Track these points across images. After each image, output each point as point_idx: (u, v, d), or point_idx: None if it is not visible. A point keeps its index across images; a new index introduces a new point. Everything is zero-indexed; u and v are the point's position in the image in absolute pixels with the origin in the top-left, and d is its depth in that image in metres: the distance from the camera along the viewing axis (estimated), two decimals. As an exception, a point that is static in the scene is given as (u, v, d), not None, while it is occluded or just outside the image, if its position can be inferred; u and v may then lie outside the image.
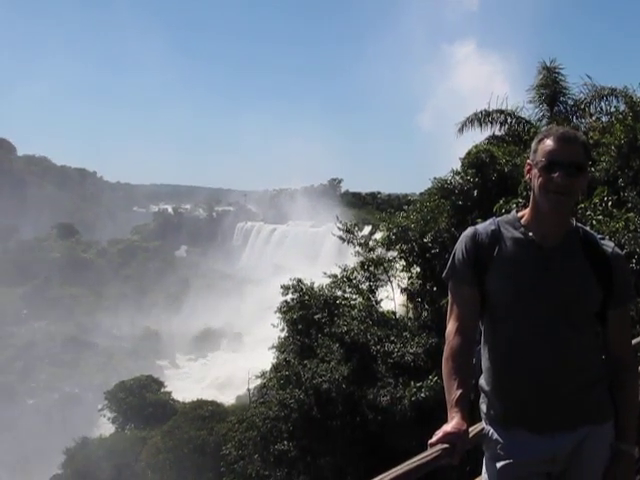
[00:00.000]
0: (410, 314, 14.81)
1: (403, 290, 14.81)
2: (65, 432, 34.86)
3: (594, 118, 15.23)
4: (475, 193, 13.28)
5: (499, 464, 2.32)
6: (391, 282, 15.12)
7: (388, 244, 14.54)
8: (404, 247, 14.15)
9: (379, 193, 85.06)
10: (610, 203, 10.46)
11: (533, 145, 2.32)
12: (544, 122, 15.73)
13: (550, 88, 16.11)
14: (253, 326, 56.43)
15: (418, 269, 14.36)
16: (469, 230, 2.39)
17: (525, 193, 10.38)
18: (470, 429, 2.18)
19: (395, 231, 14.10)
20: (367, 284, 15.24)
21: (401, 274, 14.88)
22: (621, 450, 2.30)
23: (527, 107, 16.41)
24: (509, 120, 16.26)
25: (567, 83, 16.26)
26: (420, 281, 14.37)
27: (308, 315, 14.72)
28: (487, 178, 13.23)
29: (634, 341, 3.06)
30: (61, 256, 78.71)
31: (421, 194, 16.58)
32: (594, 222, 9.84)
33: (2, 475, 37.17)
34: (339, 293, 15.22)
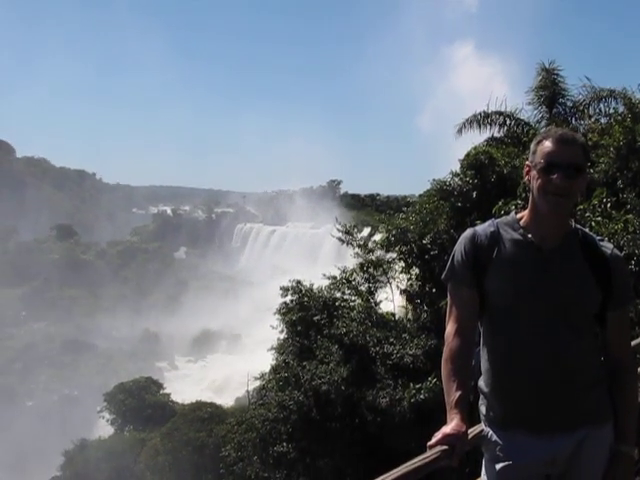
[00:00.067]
0: (409, 316, 14.80)
1: (402, 292, 14.80)
2: (64, 434, 34.81)
3: (593, 120, 15.23)
4: (474, 195, 13.27)
5: (498, 466, 2.32)
6: (390, 284, 15.11)
7: (387, 246, 14.53)
8: (403, 249, 14.14)
9: (378, 195, 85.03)
10: (609, 205, 10.46)
11: (532, 147, 2.32)
12: (543, 124, 15.74)
13: (549, 90, 16.13)
14: (252, 328, 56.36)
15: (417, 270, 14.34)
16: (468, 232, 2.39)
17: (524, 195, 10.37)
18: (469, 431, 2.18)
19: (394, 233, 14.08)
20: (366, 285, 15.23)
21: (400, 276, 14.87)
22: (620, 451, 2.30)
23: (526, 109, 16.45)
24: (508, 122, 16.27)
25: (566, 85, 16.31)
26: (419, 282, 14.36)
27: (307, 317, 14.70)
28: (486, 180, 13.22)
29: (633, 343, 3.06)
30: (60, 257, 78.65)
31: (420, 196, 16.53)
32: (593, 224, 9.83)
33: (1, 476, 37.15)
34: (338, 295, 15.20)
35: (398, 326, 13.92)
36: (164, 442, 24.60)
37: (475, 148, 14.17)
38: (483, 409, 2.40)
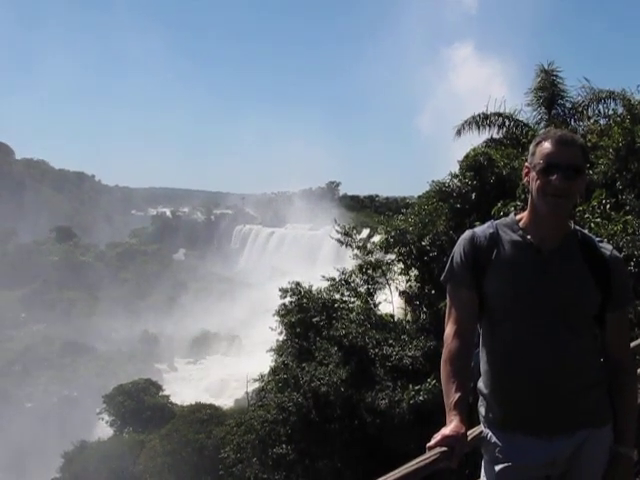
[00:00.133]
0: (408, 317, 14.80)
1: (401, 293, 14.80)
2: (63, 435, 34.81)
3: (592, 121, 15.22)
4: (473, 196, 13.27)
5: (498, 467, 2.31)
6: (389, 285, 15.11)
7: (386, 247, 14.52)
8: (402, 250, 14.14)
9: (377, 196, 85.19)
10: (608, 206, 10.45)
11: (531, 148, 2.32)
12: (542, 125, 15.75)
13: (548, 91, 16.14)
14: (251, 329, 56.41)
15: (416, 272, 14.34)
16: (467, 233, 2.38)
17: (523, 196, 10.36)
18: (469, 432, 2.18)
19: (393, 234, 14.08)
20: (365, 287, 15.23)
21: (399, 277, 14.87)
22: (620, 453, 2.30)
23: (525, 110, 16.43)
24: (507, 123, 16.27)
25: (565, 86, 16.31)
26: (418, 284, 14.36)
27: (306, 318, 14.69)
28: (485, 181, 13.22)
29: (633, 344, 3.07)
30: (59, 259, 78.70)
31: (419, 197, 16.53)
32: (592, 225, 9.83)
33: (1, 478, 37.13)
34: (337, 296, 15.20)
35: (397, 328, 13.91)
36: (163, 444, 24.57)
37: (474, 149, 14.16)
38: (482, 410, 2.40)
